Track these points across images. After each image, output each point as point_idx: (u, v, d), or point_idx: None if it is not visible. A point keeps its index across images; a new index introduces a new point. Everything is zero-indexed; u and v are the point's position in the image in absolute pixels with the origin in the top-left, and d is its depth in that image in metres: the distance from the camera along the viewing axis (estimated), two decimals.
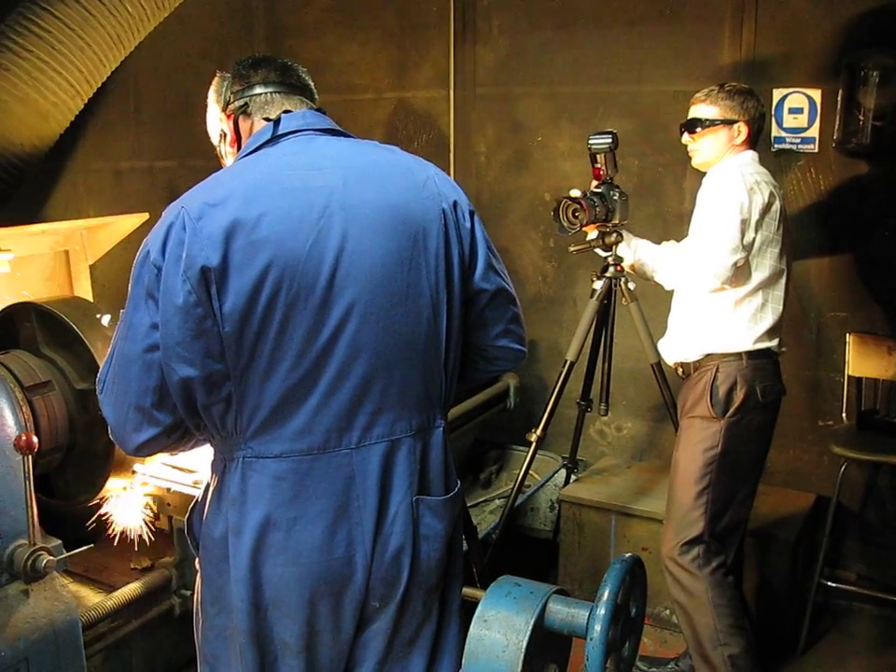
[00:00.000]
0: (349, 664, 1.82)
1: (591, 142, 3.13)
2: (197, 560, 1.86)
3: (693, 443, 2.93)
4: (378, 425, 1.74)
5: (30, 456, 2.03)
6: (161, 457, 2.72)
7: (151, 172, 4.27)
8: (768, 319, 2.88)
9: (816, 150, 3.64)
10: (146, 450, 1.77)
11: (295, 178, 1.68)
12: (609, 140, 3.10)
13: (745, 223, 2.75)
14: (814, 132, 3.61)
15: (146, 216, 3.06)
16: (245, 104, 1.85)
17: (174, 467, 2.70)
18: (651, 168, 3.99)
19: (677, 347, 3.03)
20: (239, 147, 1.87)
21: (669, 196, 3.95)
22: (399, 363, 1.74)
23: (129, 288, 1.67)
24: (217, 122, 1.93)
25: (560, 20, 4.09)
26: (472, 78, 4.34)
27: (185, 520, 1.88)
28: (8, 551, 2.07)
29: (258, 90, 1.85)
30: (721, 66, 3.75)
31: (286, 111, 1.81)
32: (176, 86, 4.71)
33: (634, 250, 3.16)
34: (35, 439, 2.04)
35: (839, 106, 3.51)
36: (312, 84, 1.92)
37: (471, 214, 1.85)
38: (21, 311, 2.45)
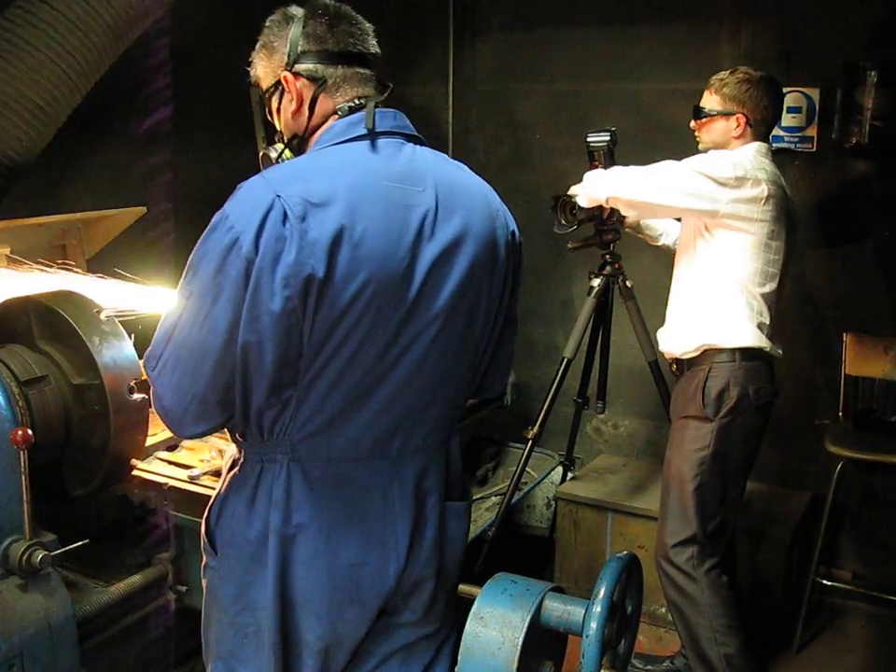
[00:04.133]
0: (356, 655, 1.84)
1: (589, 139, 3.14)
2: (211, 558, 1.84)
3: (684, 444, 2.92)
4: (416, 437, 1.77)
5: (26, 451, 2.03)
6: (159, 454, 2.72)
7: (149, 166, 4.26)
8: (763, 318, 2.87)
9: (814, 150, 3.64)
10: (197, 437, 1.81)
11: (394, 191, 1.64)
12: (608, 138, 3.11)
13: (717, 186, 2.75)
14: (812, 131, 3.62)
15: (143, 209, 3.06)
16: (324, 78, 1.72)
17: (170, 462, 2.70)
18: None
19: (673, 339, 3.02)
20: (306, 118, 1.76)
21: None
22: (444, 382, 1.77)
23: (198, 264, 1.58)
24: (271, 70, 1.78)
25: (559, 17, 4.09)
26: (472, 75, 4.34)
27: (203, 519, 1.86)
28: (4, 546, 2.07)
29: (334, 61, 1.72)
30: (720, 64, 3.75)
31: (364, 97, 1.73)
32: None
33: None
34: (30, 433, 2.03)
35: (838, 106, 3.52)
36: (378, 48, 1.79)
37: (520, 245, 1.88)
38: (18, 305, 2.44)
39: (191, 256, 1.61)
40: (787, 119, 3.62)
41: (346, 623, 1.77)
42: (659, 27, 3.88)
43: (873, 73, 3.36)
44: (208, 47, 3.76)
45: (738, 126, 2.92)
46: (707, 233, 2.85)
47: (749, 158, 2.85)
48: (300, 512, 1.71)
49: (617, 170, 2.98)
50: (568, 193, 3.03)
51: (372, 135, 1.69)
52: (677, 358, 3.03)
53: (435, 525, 1.82)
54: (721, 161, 2.79)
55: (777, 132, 3.63)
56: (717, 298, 2.88)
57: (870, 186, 3.63)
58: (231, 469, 1.82)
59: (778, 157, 3.65)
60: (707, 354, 2.89)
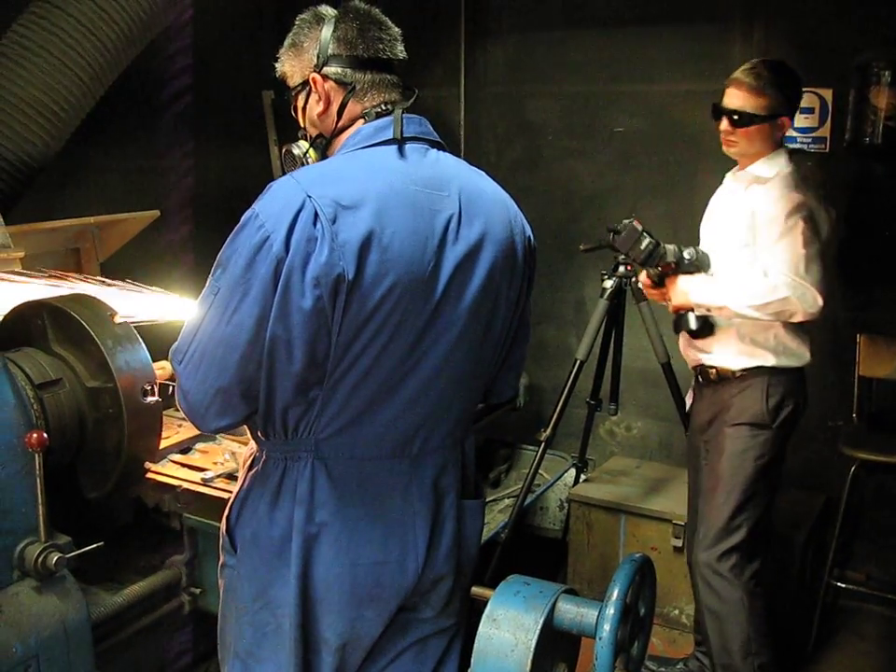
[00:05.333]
0: (371, 650, 1.85)
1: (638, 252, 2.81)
2: (230, 558, 1.85)
3: (739, 451, 2.85)
4: (436, 436, 1.80)
5: (40, 454, 2.04)
6: (173, 456, 2.73)
7: (163, 170, 4.28)
8: (808, 334, 2.85)
9: (827, 150, 3.63)
10: (220, 431, 1.83)
11: (422, 196, 1.67)
12: (648, 240, 2.79)
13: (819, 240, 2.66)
14: (825, 131, 3.60)
15: (157, 213, 3.07)
16: (353, 84, 1.74)
17: (183, 465, 2.71)
18: (661, 167, 3.98)
19: (730, 355, 2.86)
20: (333, 120, 1.78)
21: (680, 195, 3.93)
22: (464, 383, 1.81)
23: (227, 261, 1.59)
24: (299, 70, 1.80)
25: (570, 18, 4.09)
26: (483, 77, 4.34)
27: (224, 518, 1.87)
28: (19, 548, 2.08)
29: (364, 67, 1.75)
30: (733, 65, 3.74)
31: (391, 102, 1.76)
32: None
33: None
34: (45, 436, 2.04)
35: (850, 106, 3.50)
36: (405, 54, 1.83)
37: (535, 250, 1.92)
38: (33, 308, 2.45)
39: (220, 253, 1.63)
40: (800, 120, 3.60)
41: (365, 620, 1.79)
42: (671, 28, 3.87)
43: (886, 73, 3.35)
44: (223, 51, 3.77)
45: (783, 128, 2.77)
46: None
47: (794, 170, 2.76)
48: (323, 510, 1.73)
49: (726, 286, 2.74)
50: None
51: (400, 141, 1.72)
52: (722, 367, 2.90)
53: (453, 523, 1.85)
54: (812, 243, 2.64)
55: (790, 132, 3.61)
56: (791, 323, 2.81)
57: (884, 185, 3.62)
58: (251, 467, 1.82)
59: (791, 157, 3.65)
60: (766, 367, 2.84)
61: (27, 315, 2.47)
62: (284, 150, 1.88)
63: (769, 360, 2.82)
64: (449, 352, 1.73)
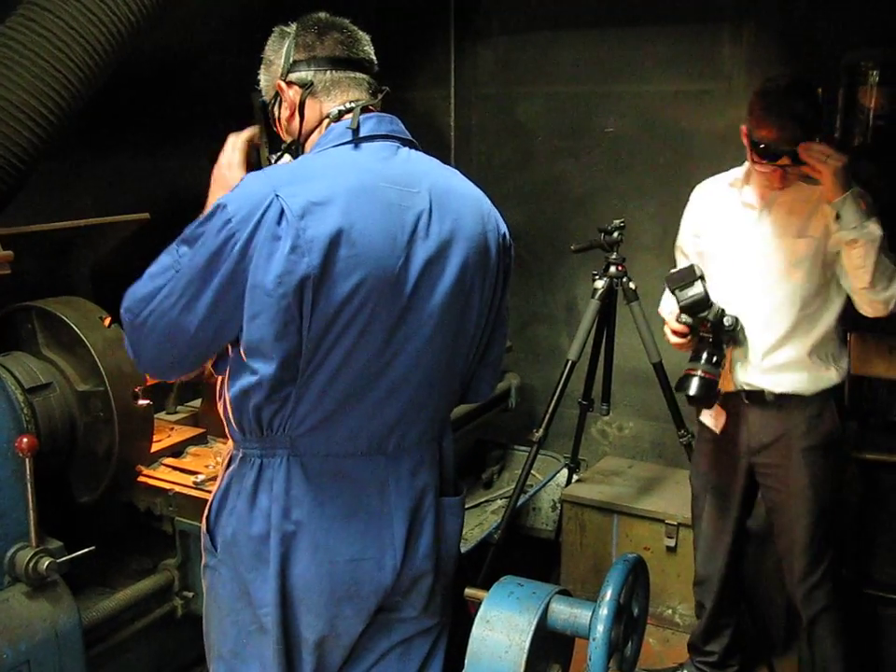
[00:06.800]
0: (353, 649, 1.86)
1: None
2: (211, 558, 1.85)
3: (821, 476, 2.77)
4: (411, 434, 1.81)
5: (31, 458, 2.03)
6: (164, 460, 2.73)
7: (153, 172, 4.27)
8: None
9: None
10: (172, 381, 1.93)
11: (391, 192, 1.69)
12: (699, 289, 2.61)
13: None
14: None
15: (146, 216, 3.06)
16: (311, 82, 1.78)
17: (175, 468, 2.70)
18: (651, 168, 3.98)
19: (806, 379, 2.74)
20: (298, 122, 1.82)
21: (670, 196, 3.93)
22: (439, 381, 1.82)
23: (192, 243, 1.63)
24: (270, 83, 1.86)
25: (560, 19, 4.09)
26: (473, 79, 4.34)
27: (204, 518, 1.87)
28: (10, 553, 2.07)
29: (324, 66, 1.78)
30: (722, 66, 3.75)
31: (356, 101, 1.78)
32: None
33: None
34: (35, 440, 2.03)
35: (840, 105, 3.51)
36: (373, 54, 1.86)
37: (511, 247, 1.93)
38: (22, 312, 2.44)
39: (188, 229, 1.66)
40: None
41: (344, 618, 1.80)
42: (660, 29, 3.88)
43: (874, 72, 3.36)
44: (211, 54, 3.76)
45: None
46: (840, 277, 2.67)
47: None
48: (299, 508, 1.74)
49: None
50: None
51: (369, 139, 1.75)
52: (790, 393, 2.76)
53: (432, 521, 1.86)
54: None
55: None
56: (840, 336, 2.83)
57: (873, 185, 3.62)
58: (228, 465, 1.84)
59: None
60: (832, 386, 2.79)
61: (17, 318, 2.46)
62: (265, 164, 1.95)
63: (834, 379, 2.77)
64: (422, 348, 1.75)
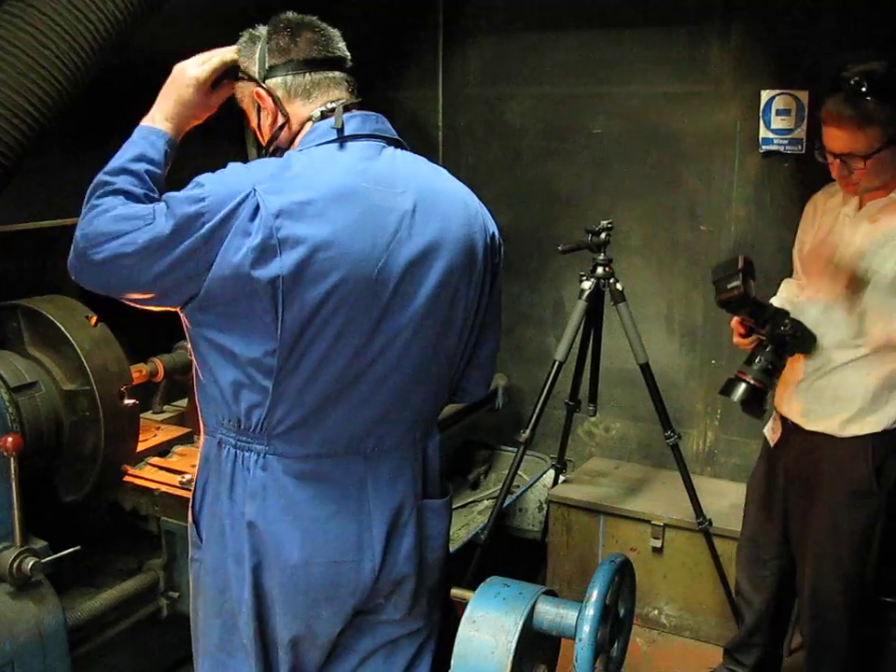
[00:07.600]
0: (336, 649, 1.86)
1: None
2: (197, 550, 1.85)
3: (847, 527, 2.59)
4: (391, 435, 1.80)
5: (16, 458, 2.02)
6: (150, 459, 2.72)
7: None
8: None
9: (803, 151, 3.64)
10: None
11: (374, 193, 1.67)
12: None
13: None
14: (801, 133, 3.62)
15: None
16: (291, 87, 1.76)
17: (161, 468, 2.69)
18: (638, 169, 3.99)
19: (871, 418, 2.52)
20: (281, 128, 1.79)
21: (658, 197, 3.95)
22: (421, 383, 1.80)
23: (171, 205, 1.61)
24: (247, 90, 1.82)
25: (548, 20, 4.09)
26: (461, 79, 4.34)
27: (189, 507, 1.87)
28: None
29: (302, 69, 1.75)
30: (710, 67, 3.76)
31: (337, 100, 1.76)
32: None
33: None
34: (20, 440, 2.03)
35: None
36: (346, 49, 1.83)
37: (500, 247, 1.91)
38: (7, 311, 2.43)
39: (169, 192, 1.65)
40: (776, 122, 3.62)
41: (320, 619, 1.79)
42: (648, 30, 3.88)
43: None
44: (201, 49, 3.76)
45: None
46: None
47: None
48: (276, 508, 1.73)
49: None
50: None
51: (353, 138, 1.73)
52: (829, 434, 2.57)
53: (413, 523, 1.84)
54: None
55: (767, 133, 3.64)
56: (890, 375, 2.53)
57: None
58: (206, 457, 1.82)
59: (768, 159, 3.68)
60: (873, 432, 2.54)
61: (2, 317, 2.45)
62: None
63: (878, 426, 2.50)
64: (403, 351, 1.73)
